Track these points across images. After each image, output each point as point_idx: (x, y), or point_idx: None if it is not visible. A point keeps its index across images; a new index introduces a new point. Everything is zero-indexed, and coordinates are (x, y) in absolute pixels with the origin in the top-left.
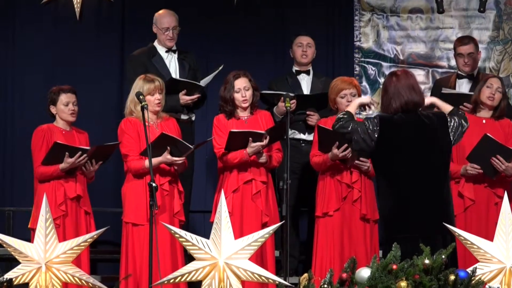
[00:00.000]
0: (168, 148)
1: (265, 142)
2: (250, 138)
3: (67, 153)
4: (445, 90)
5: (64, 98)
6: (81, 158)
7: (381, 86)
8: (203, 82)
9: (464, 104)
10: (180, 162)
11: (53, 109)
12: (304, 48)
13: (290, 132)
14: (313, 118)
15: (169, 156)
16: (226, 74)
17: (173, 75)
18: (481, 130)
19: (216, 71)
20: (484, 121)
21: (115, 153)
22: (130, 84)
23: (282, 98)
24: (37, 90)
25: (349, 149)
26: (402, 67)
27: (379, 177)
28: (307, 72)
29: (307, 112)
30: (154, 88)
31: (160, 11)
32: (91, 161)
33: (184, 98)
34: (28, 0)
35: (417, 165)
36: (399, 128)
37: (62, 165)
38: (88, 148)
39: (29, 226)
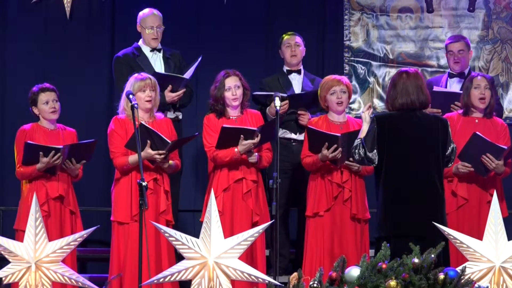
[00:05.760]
0: (148, 142)
1: (256, 140)
2: (242, 136)
3: (41, 152)
4: (436, 89)
5: (43, 97)
6: (55, 157)
7: (370, 86)
8: (186, 75)
9: (455, 103)
10: (160, 158)
11: (35, 110)
12: (292, 48)
13: (281, 131)
14: (304, 118)
15: (149, 150)
16: (217, 74)
17: None
18: (475, 129)
19: (196, 62)
20: (476, 120)
21: (105, 152)
22: (117, 85)
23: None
24: (27, 90)
25: (339, 149)
26: (392, 67)
27: (376, 174)
28: (298, 72)
29: (299, 112)
30: (145, 85)
31: (145, 10)
32: (70, 159)
33: (169, 95)
34: (18, 0)
35: (411, 164)
36: (396, 126)
37: (38, 165)
38: (60, 147)
39: (14, 227)
